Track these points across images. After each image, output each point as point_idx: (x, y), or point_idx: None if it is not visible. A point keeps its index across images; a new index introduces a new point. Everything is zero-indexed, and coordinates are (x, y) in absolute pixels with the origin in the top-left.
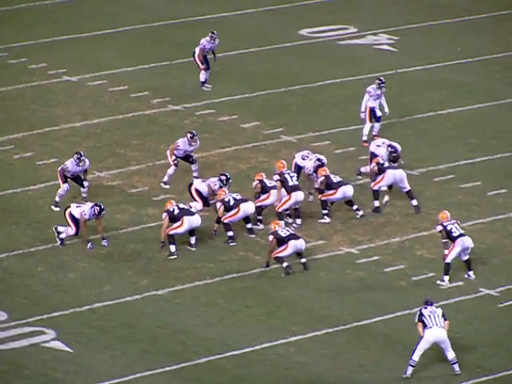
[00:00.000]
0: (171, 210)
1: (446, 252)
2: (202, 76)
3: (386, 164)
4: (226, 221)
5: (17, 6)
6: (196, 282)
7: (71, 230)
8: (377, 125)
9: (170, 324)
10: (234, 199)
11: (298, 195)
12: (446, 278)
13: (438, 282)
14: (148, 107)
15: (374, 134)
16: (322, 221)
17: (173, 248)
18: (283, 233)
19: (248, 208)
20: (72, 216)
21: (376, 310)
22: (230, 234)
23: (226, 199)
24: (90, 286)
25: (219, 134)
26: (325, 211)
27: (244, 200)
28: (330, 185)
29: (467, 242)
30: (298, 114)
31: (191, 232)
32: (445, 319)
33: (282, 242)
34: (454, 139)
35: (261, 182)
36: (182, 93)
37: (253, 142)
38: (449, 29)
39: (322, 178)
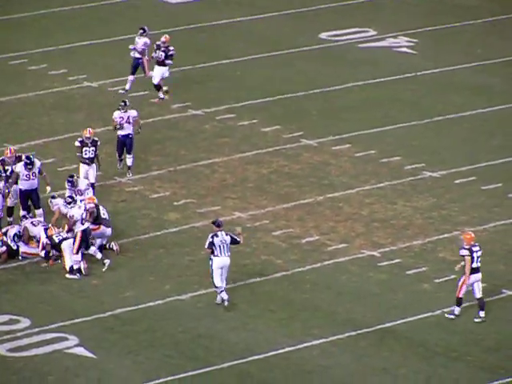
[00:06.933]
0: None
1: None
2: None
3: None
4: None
5: (36, 12)
6: None
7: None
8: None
9: (192, 329)
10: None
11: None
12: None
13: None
14: (168, 112)
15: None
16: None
17: None
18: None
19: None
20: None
21: (399, 313)
22: None
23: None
24: (113, 292)
25: (240, 138)
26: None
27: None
28: (96, 218)
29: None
30: (318, 117)
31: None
32: (235, 242)
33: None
34: (475, 141)
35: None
36: (203, 97)
37: (273, 146)
38: (468, 30)
39: (92, 205)
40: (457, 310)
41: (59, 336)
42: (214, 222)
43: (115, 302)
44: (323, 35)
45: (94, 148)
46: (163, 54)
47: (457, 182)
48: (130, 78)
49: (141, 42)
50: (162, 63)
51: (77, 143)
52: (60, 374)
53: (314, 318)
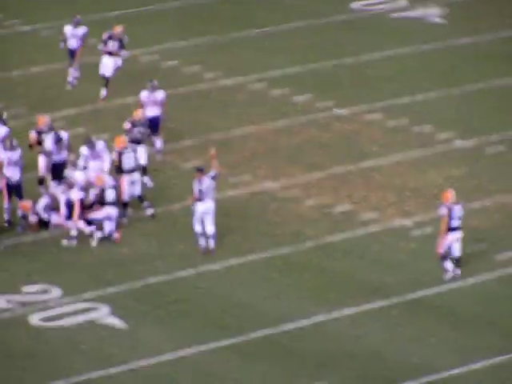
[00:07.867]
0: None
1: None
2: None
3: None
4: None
5: None
6: (251, 257)
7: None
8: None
9: (224, 298)
10: None
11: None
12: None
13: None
14: (200, 81)
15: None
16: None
17: None
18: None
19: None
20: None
21: (429, 282)
22: None
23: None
24: (144, 261)
25: (271, 107)
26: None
27: None
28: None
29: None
30: (350, 86)
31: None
32: (216, 177)
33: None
34: (507, 110)
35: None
36: (234, 67)
37: (305, 116)
38: (500, 0)
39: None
40: (448, 265)
41: (91, 305)
42: (196, 168)
43: (146, 272)
44: (355, 5)
45: (143, 128)
46: (117, 44)
47: (488, 150)
48: (71, 69)
49: (81, 30)
50: (113, 54)
51: (128, 125)
52: (92, 343)
53: (346, 288)
